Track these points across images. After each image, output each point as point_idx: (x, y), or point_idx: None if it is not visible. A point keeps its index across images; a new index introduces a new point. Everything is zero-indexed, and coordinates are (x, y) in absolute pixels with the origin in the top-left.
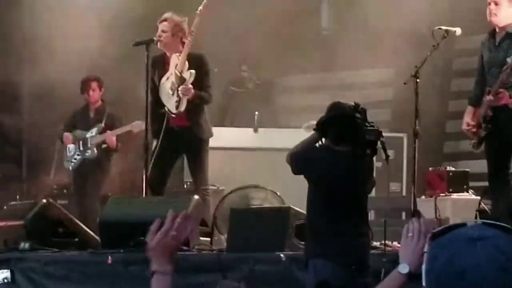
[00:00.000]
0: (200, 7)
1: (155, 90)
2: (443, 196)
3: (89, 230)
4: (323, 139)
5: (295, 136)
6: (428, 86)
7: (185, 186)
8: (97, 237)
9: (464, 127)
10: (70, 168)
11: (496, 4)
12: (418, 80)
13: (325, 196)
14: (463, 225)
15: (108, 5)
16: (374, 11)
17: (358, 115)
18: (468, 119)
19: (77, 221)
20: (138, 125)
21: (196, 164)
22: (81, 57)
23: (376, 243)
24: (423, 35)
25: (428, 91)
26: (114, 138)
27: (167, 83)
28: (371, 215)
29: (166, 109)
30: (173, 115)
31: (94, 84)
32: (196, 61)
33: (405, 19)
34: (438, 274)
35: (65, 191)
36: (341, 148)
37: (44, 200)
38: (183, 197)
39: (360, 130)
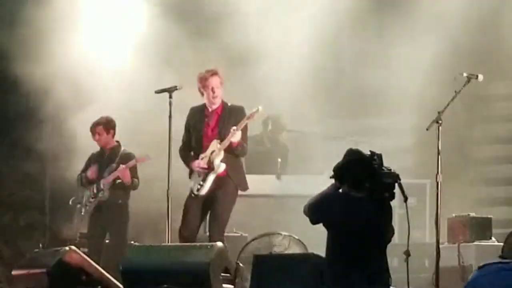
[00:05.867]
0: (252, 114)
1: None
2: (466, 243)
3: (112, 278)
4: (340, 189)
5: (318, 183)
6: (451, 131)
7: (207, 233)
8: (120, 285)
9: None
10: (83, 212)
11: None
12: (440, 125)
13: (343, 242)
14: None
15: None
16: (395, 59)
17: (374, 160)
18: None
19: (100, 268)
20: (144, 157)
21: (218, 211)
22: (105, 108)
23: None
24: (445, 80)
25: (451, 137)
26: (127, 172)
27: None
28: (394, 262)
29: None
30: (193, 195)
31: (99, 128)
32: (235, 113)
33: (428, 65)
34: None
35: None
36: (357, 194)
37: (67, 248)
38: (204, 245)
39: (377, 174)
